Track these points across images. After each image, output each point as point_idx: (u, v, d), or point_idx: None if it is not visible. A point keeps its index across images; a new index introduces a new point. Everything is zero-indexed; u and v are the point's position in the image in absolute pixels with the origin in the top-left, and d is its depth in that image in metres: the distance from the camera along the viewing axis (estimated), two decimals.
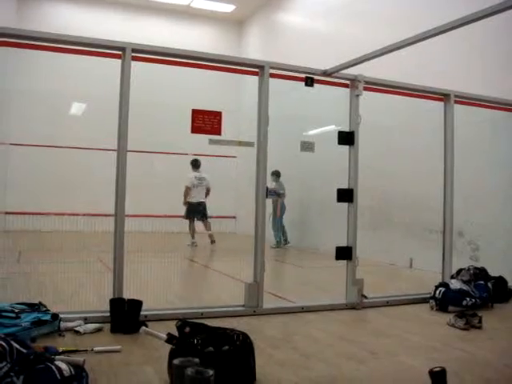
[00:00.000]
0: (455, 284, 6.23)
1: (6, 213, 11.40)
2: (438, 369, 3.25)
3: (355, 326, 5.46)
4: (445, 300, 6.01)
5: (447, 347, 4.60)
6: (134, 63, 5.19)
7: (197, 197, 12.58)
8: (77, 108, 14.20)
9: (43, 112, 13.30)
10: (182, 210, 12.56)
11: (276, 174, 12.46)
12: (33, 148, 13.66)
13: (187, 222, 12.57)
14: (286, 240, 12.96)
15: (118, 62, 5.20)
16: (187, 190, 12.59)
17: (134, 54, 5.19)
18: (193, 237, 12.46)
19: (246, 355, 3.52)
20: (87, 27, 14.20)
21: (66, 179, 13.44)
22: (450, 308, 5.90)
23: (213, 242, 12.31)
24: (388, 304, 6.25)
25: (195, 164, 12.67)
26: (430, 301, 6.16)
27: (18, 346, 3.26)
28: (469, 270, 6.57)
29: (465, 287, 6.19)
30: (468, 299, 6.00)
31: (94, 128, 12.31)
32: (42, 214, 11.52)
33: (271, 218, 12.00)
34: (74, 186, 13.18)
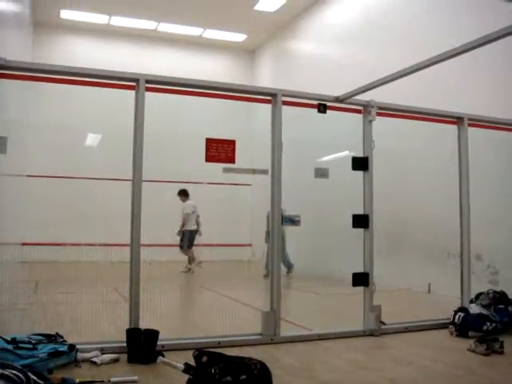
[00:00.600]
0: (475, 309, 6.15)
1: (23, 244, 11.46)
2: None
3: (374, 354, 5.38)
4: (464, 325, 5.92)
5: (470, 375, 4.52)
6: (148, 94, 5.25)
7: (194, 224, 12.88)
8: (92, 139, 14.35)
9: (59, 144, 13.45)
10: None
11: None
12: (49, 179, 13.80)
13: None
14: (289, 268, 12.20)
15: (133, 93, 5.26)
16: (187, 217, 12.78)
17: (147, 85, 5.26)
18: (191, 262, 12.79)
19: None
20: (101, 59, 14.48)
21: (81, 210, 13.52)
22: (471, 333, 5.82)
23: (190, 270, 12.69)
24: (407, 330, 6.17)
25: (186, 193, 12.95)
26: (450, 326, 6.07)
27: (35, 378, 3.27)
28: (488, 293, 6.48)
29: (484, 312, 6.11)
30: (488, 324, 5.91)
31: (109, 158, 12.41)
32: (59, 244, 11.59)
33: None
34: (90, 216, 13.25)
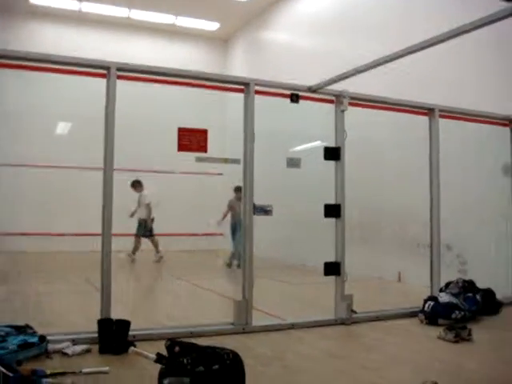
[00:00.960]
0: (444, 297, 6.24)
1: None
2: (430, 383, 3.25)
3: (345, 342, 5.44)
4: (434, 313, 6.02)
5: (440, 362, 4.59)
6: (119, 82, 5.19)
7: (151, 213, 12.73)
8: (63, 127, 14.16)
9: (29, 131, 13.23)
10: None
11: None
12: (15, 168, 13.55)
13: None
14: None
15: (103, 80, 5.20)
16: (148, 207, 12.55)
17: (119, 73, 5.20)
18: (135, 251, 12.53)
19: (237, 374, 3.49)
20: (72, 46, 14.19)
21: (52, 199, 13.35)
22: (440, 321, 5.91)
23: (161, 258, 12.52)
24: (378, 319, 6.24)
25: (141, 183, 12.71)
26: (420, 314, 6.16)
27: (3, 370, 3.22)
28: (457, 282, 6.59)
29: (454, 300, 6.21)
30: (457, 312, 6.01)
31: (80, 147, 12.26)
32: (28, 234, 11.44)
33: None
34: (61, 205, 13.08)
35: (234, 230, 11.96)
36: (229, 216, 12.18)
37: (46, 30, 15.96)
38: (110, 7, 15.77)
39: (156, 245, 12.56)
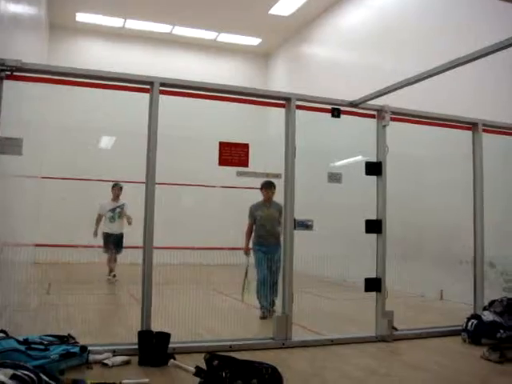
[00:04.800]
0: (488, 316, 6.09)
1: (36, 245, 11.50)
2: None
3: (386, 360, 5.35)
4: (477, 332, 5.88)
5: (483, 382, 4.48)
6: (162, 97, 5.27)
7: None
8: (106, 141, 14.39)
9: (73, 146, 13.51)
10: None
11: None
12: (62, 181, 13.86)
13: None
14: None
15: (147, 95, 5.28)
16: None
17: (162, 88, 5.28)
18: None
19: None
20: (116, 62, 14.57)
21: (94, 212, 13.58)
22: (483, 341, 5.77)
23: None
24: (419, 336, 6.13)
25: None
26: (462, 333, 6.03)
27: (46, 379, 3.28)
28: (502, 301, 6.41)
29: (498, 319, 6.05)
30: (502, 331, 5.85)
31: (122, 161, 12.44)
32: (71, 246, 11.63)
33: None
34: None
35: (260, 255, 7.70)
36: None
37: (91, 46, 16.34)
38: (153, 24, 16.07)
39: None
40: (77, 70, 5.17)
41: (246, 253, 7.84)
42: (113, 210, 11.01)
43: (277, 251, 6.97)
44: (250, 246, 7.84)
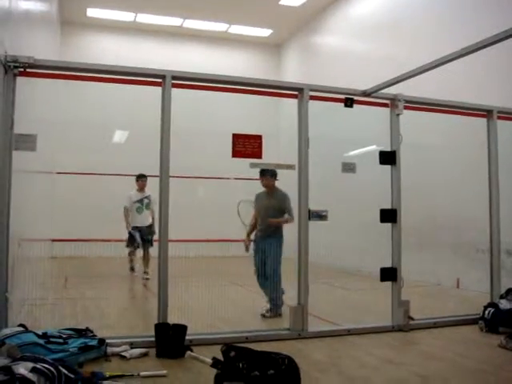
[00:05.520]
0: (505, 304, 6.05)
1: (53, 240, 11.60)
2: None
3: (403, 349, 5.34)
4: (495, 321, 5.85)
5: (501, 370, 4.46)
6: (174, 90, 5.27)
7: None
8: (120, 136, 14.44)
9: (87, 141, 13.59)
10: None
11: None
12: (78, 176, 13.96)
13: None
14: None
15: (159, 89, 5.29)
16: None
17: (174, 81, 5.28)
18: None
19: (292, 379, 3.49)
20: (127, 56, 14.63)
21: (110, 206, 13.66)
22: (501, 329, 5.73)
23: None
24: (436, 325, 6.11)
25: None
26: (479, 322, 6.00)
27: (65, 372, 3.31)
28: None
29: None
30: None
31: (136, 155, 12.49)
32: (88, 240, 11.72)
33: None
34: (118, 212, 13.37)
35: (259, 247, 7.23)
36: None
37: (102, 41, 16.38)
38: (163, 18, 16.07)
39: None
40: (89, 65, 5.19)
41: (246, 246, 7.41)
42: (140, 201, 10.69)
43: (266, 242, 6.94)
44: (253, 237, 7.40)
